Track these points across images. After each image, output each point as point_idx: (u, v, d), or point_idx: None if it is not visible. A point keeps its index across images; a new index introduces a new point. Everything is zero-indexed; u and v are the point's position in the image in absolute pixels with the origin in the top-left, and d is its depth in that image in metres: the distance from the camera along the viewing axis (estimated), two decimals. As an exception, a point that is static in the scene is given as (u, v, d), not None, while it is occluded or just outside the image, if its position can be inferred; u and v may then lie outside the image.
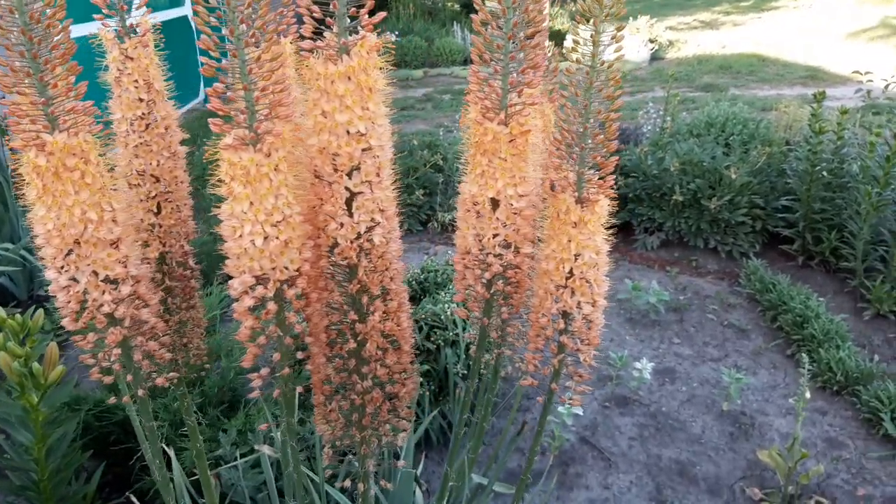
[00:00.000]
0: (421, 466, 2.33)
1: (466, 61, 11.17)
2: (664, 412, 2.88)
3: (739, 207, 3.99)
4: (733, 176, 3.94)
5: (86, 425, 2.35)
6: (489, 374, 1.40)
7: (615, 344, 3.36)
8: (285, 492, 1.80)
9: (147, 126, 1.12)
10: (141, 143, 1.12)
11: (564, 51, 0.93)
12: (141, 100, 1.11)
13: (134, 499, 1.65)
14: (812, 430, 2.76)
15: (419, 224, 4.68)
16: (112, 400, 0.96)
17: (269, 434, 2.15)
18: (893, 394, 2.71)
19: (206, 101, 8.26)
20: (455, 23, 12.05)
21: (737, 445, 2.68)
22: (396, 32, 11.36)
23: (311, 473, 1.80)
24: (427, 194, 4.67)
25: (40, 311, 1.87)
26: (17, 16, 0.76)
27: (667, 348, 3.34)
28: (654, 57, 10.73)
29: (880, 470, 2.53)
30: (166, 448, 1.89)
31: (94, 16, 1.07)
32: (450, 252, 3.44)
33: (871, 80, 4.72)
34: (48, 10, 0.76)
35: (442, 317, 2.71)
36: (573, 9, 12.65)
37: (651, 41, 10.66)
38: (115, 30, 1.09)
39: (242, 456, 2.10)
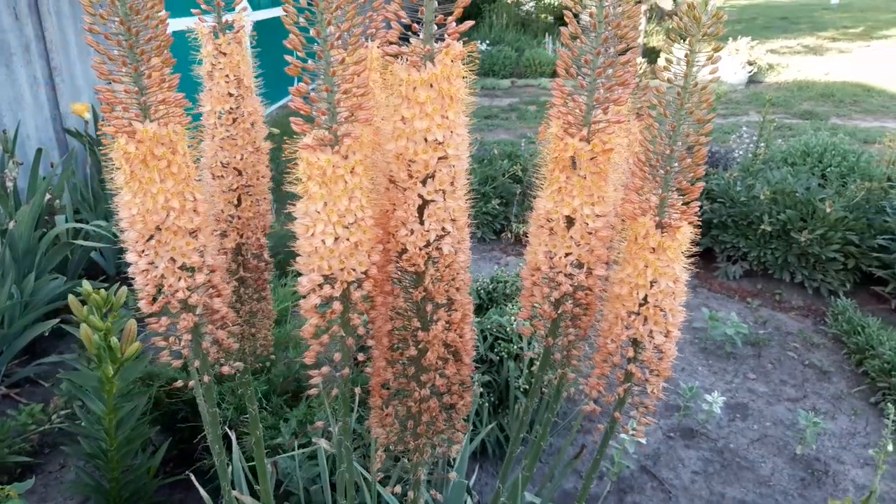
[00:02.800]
0: (475, 477, 2.31)
1: (555, 73, 11.08)
2: (732, 449, 2.76)
3: (832, 243, 3.79)
4: (828, 209, 3.75)
5: (156, 401, 2.43)
6: (551, 393, 1.37)
7: (686, 374, 3.25)
8: (337, 488, 1.81)
9: (234, 120, 1.15)
10: (227, 137, 1.15)
11: (656, 69, 0.89)
12: (230, 94, 1.14)
13: (193, 478, 1.69)
14: (891, 484, 2.59)
15: (493, 233, 4.66)
16: (179, 384, 0.98)
17: (327, 427, 2.17)
18: None
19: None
20: (547, 34, 11.99)
21: (807, 492, 2.54)
22: (487, 42, 11.39)
23: (364, 472, 1.81)
24: (503, 204, 4.65)
25: (123, 288, 1.95)
26: (118, 5, 0.79)
27: (741, 383, 3.20)
28: (752, 80, 10.37)
29: (966, 537, 2.35)
30: (228, 432, 1.94)
31: (192, 10, 1.10)
32: (521, 264, 3.40)
33: None
34: (148, 2, 0.78)
35: (508, 329, 2.68)
36: (670, 26, 12.38)
37: (750, 63, 10.30)
38: (211, 25, 1.12)
39: (301, 447, 2.13)
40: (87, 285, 1.89)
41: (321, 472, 1.85)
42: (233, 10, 1.12)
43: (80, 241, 3.54)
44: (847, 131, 6.80)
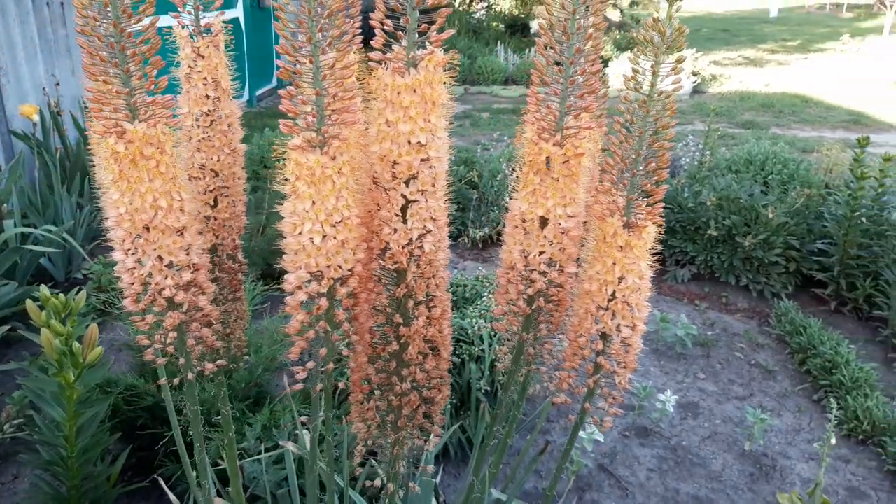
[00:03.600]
0: (439, 478, 2.35)
1: (507, 81, 11.23)
2: (684, 446, 2.86)
3: (774, 247, 3.96)
4: (770, 215, 3.91)
5: (114, 408, 2.40)
6: (517, 392, 1.42)
7: (639, 374, 3.34)
8: (307, 490, 1.83)
9: (212, 122, 1.17)
10: (204, 139, 1.17)
11: (624, 78, 0.95)
12: (208, 97, 1.16)
13: (162, 481, 1.68)
14: (834, 477, 2.72)
15: (450, 239, 4.71)
16: (163, 381, 0.99)
17: (293, 431, 2.19)
18: (921, 447, 2.66)
19: (249, 104, 8.42)
20: (499, 42, 12.13)
21: (757, 486, 2.65)
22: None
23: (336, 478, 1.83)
24: (460, 210, 4.71)
25: (83, 293, 1.93)
26: (110, 9, 0.80)
27: (691, 383, 3.31)
28: (696, 90, 10.70)
29: (902, 524, 2.49)
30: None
31: (171, 13, 1.12)
32: (480, 268, 3.46)
33: (918, 129, 4.66)
34: (139, 6, 0.80)
35: (469, 332, 2.73)
36: (617, 37, 12.67)
37: (694, 74, 10.63)
38: (189, 28, 1.14)
39: (266, 451, 2.13)
40: (45, 290, 1.86)
41: (289, 475, 1.86)
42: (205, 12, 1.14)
43: (31, 246, 3.45)
44: (787, 140, 7.08)
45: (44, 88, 4.62)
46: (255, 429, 2.18)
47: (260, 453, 2.05)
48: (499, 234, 4.75)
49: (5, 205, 3.69)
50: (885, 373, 3.37)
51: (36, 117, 4.12)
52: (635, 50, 0.93)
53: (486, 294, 3.06)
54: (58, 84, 4.70)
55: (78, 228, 4.05)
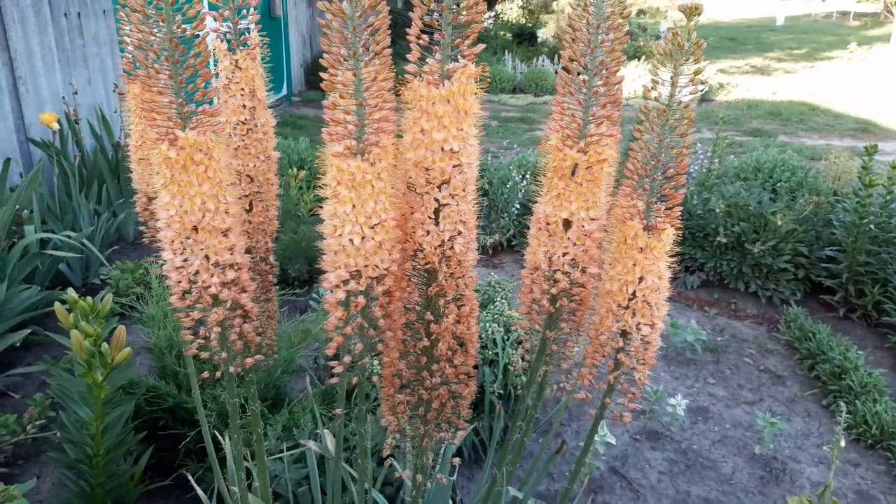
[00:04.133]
0: (454, 479, 2.39)
1: (515, 90, 11.30)
2: (695, 450, 2.90)
3: (783, 254, 4.00)
4: (779, 222, 3.96)
5: (137, 409, 2.46)
6: (535, 392, 1.47)
7: (650, 379, 3.37)
8: (328, 488, 1.87)
9: (248, 130, 1.23)
10: (241, 146, 1.23)
11: (644, 88, 1.00)
12: (244, 106, 1.22)
13: (189, 476, 1.74)
14: (843, 480, 2.76)
15: (461, 245, 4.76)
16: (205, 375, 1.05)
17: (314, 430, 2.24)
18: (930, 451, 2.69)
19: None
20: (506, 52, 12.22)
21: (766, 489, 2.69)
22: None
23: (352, 471, 1.88)
24: (471, 216, 4.76)
25: (109, 296, 2.00)
26: (164, 25, 0.86)
27: (701, 388, 3.35)
28: (704, 98, 10.76)
29: (911, 527, 2.52)
30: (218, 435, 1.99)
31: (211, 28, 1.18)
32: (492, 274, 3.51)
33: (924, 137, 4.71)
34: (192, 21, 0.86)
35: (482, 336, 2.78)
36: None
37: (702, 82, 10.69)
38: (229, 41, 1.20)
39: (287, 450, 2.18)
40: (72, 293, 1.93)
41: (310, 473, 1.91)
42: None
43: (51, 251, 3.52)
44: (795, 148, 7.12)
45: (63, 97, 4.70)
46: (275, 428, 2.24)
47: (281, 452, 2.10)
48: (509, 241, 4.80)
49: (25, 211, 3.76)
50: (894, 379, 3.40)
51: (56, 125, 4.20)
52: (654, 61, 0.98)
53: (498, 299, 3.11)
54: (76, 93, 4.79)
55: (96, 235, 4.12)
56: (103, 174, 4.40)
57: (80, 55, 5.01)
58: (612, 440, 2.65)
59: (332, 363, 0.99)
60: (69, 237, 3.63)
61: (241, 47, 1.20)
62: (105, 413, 2.07)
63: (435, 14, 0.89)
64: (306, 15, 10.97)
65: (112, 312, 3.49)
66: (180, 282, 0.94)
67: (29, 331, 3.22)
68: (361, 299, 0.93)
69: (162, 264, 0.97)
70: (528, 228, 1.10)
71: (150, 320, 2.77)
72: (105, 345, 1.93)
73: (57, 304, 1.96)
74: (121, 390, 2.42)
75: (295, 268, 4.02)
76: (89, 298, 1.95)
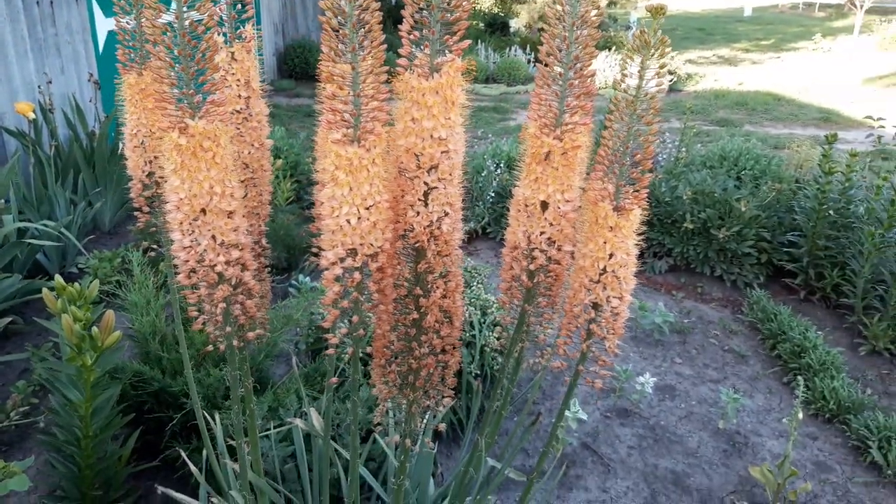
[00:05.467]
0: (434, 451, 2.49)
1: (488, 79, 11.37)
2: (662, 426, 3.03)
3: (747, 239, 4.15)
4: (743, 208, 4.11)
5: (122, 394, 2.51)
6: (512, 365, 1.57)
7: (619, 359, 3.51)
8: (314, 465, 1.96)
9: (244, 119, 1.30)
10: (237, 134, 1.30)
11: (614, 80, 1.10)
12: (240, 96, 1.29)
13: (183, 453, 1.80)
14: (802, 452, 2.91)
15: (437, 232, 4.84)
16: (209, 349, 1.12)
17: (299, 409, 2.32)
18: (882, 424, 2.86)
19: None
20: (479, 41, 12.28)
21: (730, 461, 2.83)
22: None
23: (340, 449, 1.96)
24: (447, 204, 4.84)
25: (95, 282, 2.06)
26: (186, 22, 0.94)
27: (668, 367, 3.49)
28: (672, 88, 10.94)
29: (865, 495, 2.68)
30: (207, 416, 2.06)
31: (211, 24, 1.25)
32: (468, 260, 3.60)
33: (883, 126, 4.91)
34: (203, 18, 0.93)
35: (460, 318, 2.87)
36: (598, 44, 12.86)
37: (670, 73, 10.87)
38: (225, 35, 1.27)
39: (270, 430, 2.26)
40: (59, 280, 1.99)
41: (297, 451, 1.99)
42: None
43: (30, 240, 3.53)
44: (759, 137, 7.32)
45: (38, 86, 4.68)
46: (262, 408, 2.31)
47: (268, 430, 2.18)
48: (484, 229, 4.90)
49: (2, 201, 3.76)
50: (851, 357, 3.58)
51: (32, 115, 4.19)
52: (623, 55, 1.08)
53: (474, 284, 3.21)
54: (49, 82, 4.76)
55: (73, 224, 4.13)
56: (78, 163, 4.39)
57: (52, 44, 4.97)
58: (584, 416, 2.77)
59: (328, 335, 1.07)
60: (47, 226, 3.64)
61: (237, 40, 1.26)
62: (94, 395, 2.13)
63: (425, 12, 0.98)
64: (278, 3, 10.92)
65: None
66: (188, 261, 1.01)
67: (10, 319, 3.24)
68: (357, 275, 1.02)
69: (153, 250, 1.05)
70: (504, 217, 1.20)
71: (132, 307, 2.82)
72: (94, 328, 1.98)
73: (45, 291, 2.01)
74: (107, 375, 2.47)
75: (273, 255, 4.08)
76: (77, 284, 2.01)
